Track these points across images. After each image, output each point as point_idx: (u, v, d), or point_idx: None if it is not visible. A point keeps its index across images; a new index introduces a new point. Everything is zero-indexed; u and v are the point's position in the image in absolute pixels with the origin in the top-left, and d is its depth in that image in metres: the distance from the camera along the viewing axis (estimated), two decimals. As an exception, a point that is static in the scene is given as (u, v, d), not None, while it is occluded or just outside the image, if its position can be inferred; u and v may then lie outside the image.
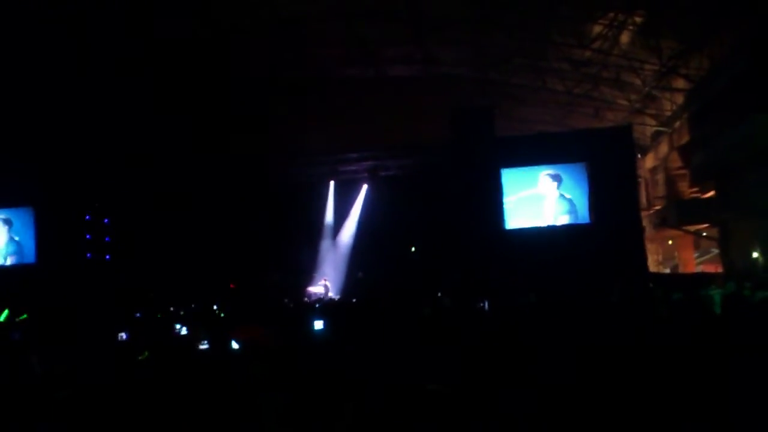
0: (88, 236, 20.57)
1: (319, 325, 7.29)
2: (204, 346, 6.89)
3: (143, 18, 17.36)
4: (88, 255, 20.42)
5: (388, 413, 4.24)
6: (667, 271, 24.73)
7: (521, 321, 7.40)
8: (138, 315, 14.14)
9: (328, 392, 4.50)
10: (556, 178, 18.59)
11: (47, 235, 20.16)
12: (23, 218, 20.59)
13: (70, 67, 18.43)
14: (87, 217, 20.56)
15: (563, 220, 18.53)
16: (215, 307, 15.43)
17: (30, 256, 20.38)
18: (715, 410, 4.17)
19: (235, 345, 6.12)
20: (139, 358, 6.32)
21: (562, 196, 18.53)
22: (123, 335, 7.68)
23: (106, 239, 20.94)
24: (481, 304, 9.16)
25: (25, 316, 13.84)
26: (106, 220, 20.85)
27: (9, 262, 20.47)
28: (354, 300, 15.89)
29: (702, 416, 4.19)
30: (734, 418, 4.13)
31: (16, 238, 20.57)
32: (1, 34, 16.78)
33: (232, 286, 20.07)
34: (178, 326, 9.46)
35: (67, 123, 19.98)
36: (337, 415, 4.28)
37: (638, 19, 18.41)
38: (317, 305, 14.73)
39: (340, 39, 19.60)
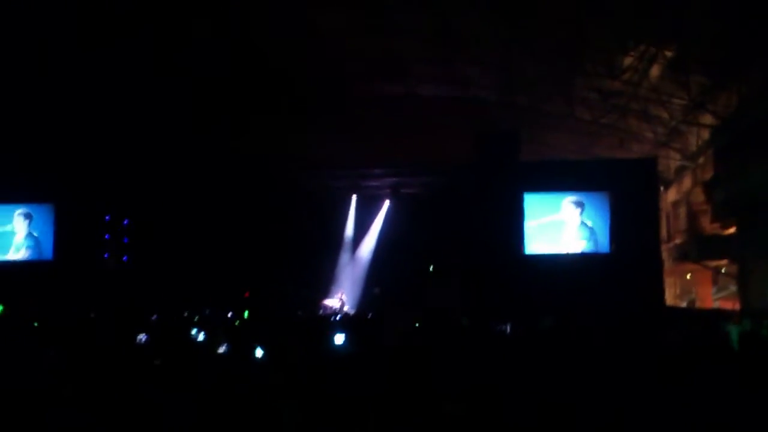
0: (106, 236, 20.68)
1: (339, 339, 7.28)
2: (222, 350, 6.90)
3: (176, 24, 17.57)
4: (106, 255, 20.52)
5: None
6: (684, 305, 24.50)
7: (541, 345, 7.38)
8: (154, 318, 14.19)
9: (348, 407, 4.51)
10: (579, 205, 18.55)
11: (66, 232, 20.29)
12: (43, 214, 20.75)
13: (98, 67, 18.67)
14: (107, 218, 20.67)
15: (583, 248, 18.45)
16: (229, 315, 15.43)
17: (47, 252, 20.51)
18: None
19: (259, 353, 6.13)
20: (156, 362, 6.33)
21: (583, 224, 18.47)
22: (142, 337, 7.71)
23: (125, 240, 21.03)
24: (502, 327, 9.14)
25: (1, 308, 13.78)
26: (125, 222, 20.96)
27: (26, 256, 20.59)
28: (369, 315, 15.86)
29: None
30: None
31: (35, 234, 20.72)
32: (20, 33, 17.05)
33: (246, 294, 20.07)
34: (194, 331, 9.46)
35: (93, 123, 20.21)
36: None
37: (669, 53, 18.41)
38: (334, 318, 14.71)
39: (371, 54, 19.73)
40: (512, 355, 6.73)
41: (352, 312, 19.02)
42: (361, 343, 7.41)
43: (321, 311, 19.19)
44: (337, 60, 20.04)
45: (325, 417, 4.62)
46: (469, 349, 7.37)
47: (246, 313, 13.06)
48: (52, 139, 20.32)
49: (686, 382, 5.08)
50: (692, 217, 23.36)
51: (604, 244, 18.33)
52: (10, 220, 20.82)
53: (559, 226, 18.67)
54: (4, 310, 14.32)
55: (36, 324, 12.96)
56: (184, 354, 7.10)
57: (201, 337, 9.02)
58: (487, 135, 18.99)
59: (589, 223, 18.43)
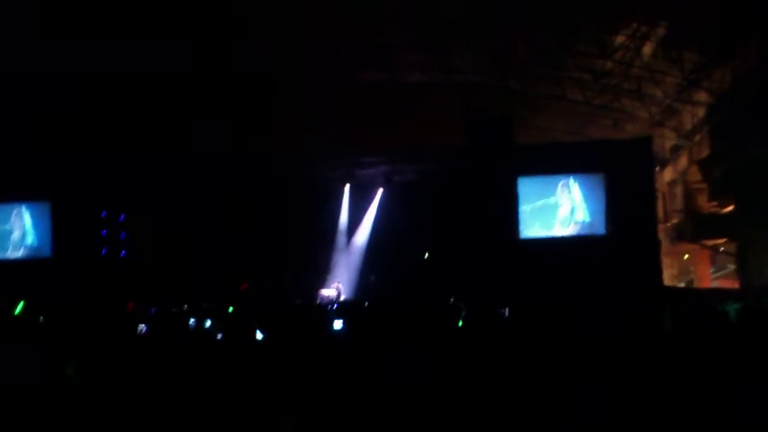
0: (103, 232, 20.66)
1: (338, 324, 7.31)
2: (219, 337, 6.91)
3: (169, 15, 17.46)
4: (103, 251, 20.51)
5: (407, 413, 4.22)
6: (683, 285, 24.54)
7: (539, 328, 7.35)
8: (153, 311, 14.18)
9: (347, 388, 4.49)
10: (574, 188, 18.53)
11: (63, 229, 20.28)
12: (40, 212, 20.72)
13: (95, 65, 18.58)
14: (103, 214, 20.64)
15: (579, 230, 18.44)
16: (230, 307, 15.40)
17: (46, 250, 20.49)
18: (731, 420, 4.13)
19: (259, 336, 6.14)
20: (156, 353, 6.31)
21: (579, 206, 18.45)
22: (143, 328, 7.71)
23: (121, 235, 21.00)
24: (501, 311, 9.12)
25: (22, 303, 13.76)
26: (121, 217, 20.92)
27: (25, 255, 20.59)
28: (366, 303, 15.85)
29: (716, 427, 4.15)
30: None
31: (33, 232, 20.70)
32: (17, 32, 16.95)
33: (245, 286, 20.07)
34: (192, 321, 9.47)
35: (86, 118, 20.13)
36: (355, 412, 4.27)
37: (661, 31, 18.32)
38: (333, 306, 14.68)
39: (358, 43, 19.63)
40: (512, 338, 6.71)
41: (348, 300, 19.02)
42: (359, 328, 7.42)
43: (318, 300, 19.20)
44: (326, 50, 19.93)
45: (325, 399, 4.61)
46: (468, 335, 7.35)
47: (230, 308, 13.08)
48: (47, 136, 20.26)
49: (685, 360, 5.06)
50: (689, 196, 23.34)
51: (600, 226, 18.33)
52: (7, 219, 20.79)
53: (554, 209, 18.66)
54: (24, 306, 14.29)
55: (42, 319, 12.98)
56: (186, 341, 7.12)
57: (208, 323, 9.04)
58: (479, 120, 18.96)
59: (585, 206, 18.42)
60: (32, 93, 19.25)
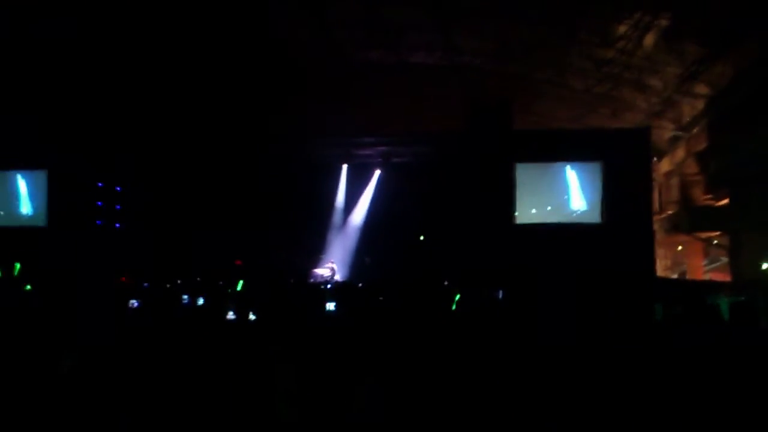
0: (99, 203, 20.59)
1: (330, 306, 7.34)
2: (231, 317, 6.90)
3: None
4: (98, 222, 20.46)
5: (402, 395, 4.26)
6: (675, 276, 24.65)
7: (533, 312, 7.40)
8: (146, 285, 14.19)
9: (342, 370, 4.52)
10: (571, 176, 18.55)
11: (59, 199, 20.21)
12: (37, 181, 20.65)
13: (97, 33, 18.48)
14: (100, 185, 20.57)
15: (574, 218, 18.48)
16: (221, 283, 15.43)
17: (41, 219, 20.44)
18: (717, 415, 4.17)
19: (251, 317, 6.16)
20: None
21: (575, 194, 18.48)
22: (134, 303, 7.72)
23: (117, 207, 20.95)
24: (495, 294, 9.17)
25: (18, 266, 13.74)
26: (118, 188, 20.87)
27: (19, 223, 20.53)
28: (360, 284, 15.89)
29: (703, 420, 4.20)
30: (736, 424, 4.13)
31: (28, 201, 20.65)
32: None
33: (238, 262, 20.07)
34: (186, 297, 9.49)
35: (87, 89, 20.05)
36: (350, 393, 4.31)
37: (664, 22, 18.26)
38: (326, 287, 14.74)
39: (362, 22, 19.54)
40: (505, 322, 6.75)
41: (342, 281, 19.05)
42: (352, 309, 7.44)
43: (312, 280, 19.23)
44: (328, 27, 19.85)
45: (319, 378, 4.65)
46: (460, 318, 7.39)
47: (240, 284, 13.06)
48: (46, 104, 20.17)
49: (674, 352, 5.10)
50: (685, 188, 23.40)
51: (595, 215, 18.36)
52: (3, 187, 20.73)
53: (550, 196, 18.69)
54: (20, 269, 14.32)
55: (29, 288, 12.99)
56: (180, 319, 7.13)
57: (201, 301, 9.05)
58: (479, 104, 18.91)
59: (581, 194, 18.45)
60: (28, 59, 19.17)
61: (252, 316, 6.11)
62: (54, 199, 20.31)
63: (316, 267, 20.03)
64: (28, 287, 13.17)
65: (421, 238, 19.60)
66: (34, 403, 4.60)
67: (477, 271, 15.93)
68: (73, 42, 18.89)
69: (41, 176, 20.57)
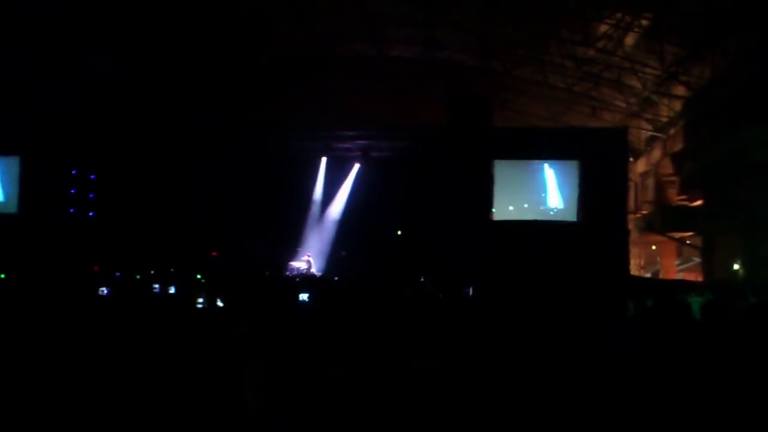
0: (72, 191, 20.29)
1: (303, 296, 7.31)
2: (200, 305, 6.83)
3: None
4: (71, 210, 20.17)
5: (372, 380, 4.22)
6: (648, 276, 24.88)
7: (502, 309, 7.40)
8: (117, 274, 14.02)
9: (312, 354, 4.48)
10: (548, 174, 18.62)
11: (31, 186, 19.88)
12: (9, 167, 20.29)
13: (74, 23, 18.24)
14: (74, 172, 20.27)
15: (550, 216, 18.56)
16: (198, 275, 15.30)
17: (12, 206, 20.10)
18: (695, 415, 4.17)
19: (219, 303, 6.10)
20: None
21: (552, 192, 18.55)
22: (104, 290, 7.60)
23: (91, 196, 20.65)
24: (465, 290, 9.16)
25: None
26: (92, 176, 20.57)
27: (-10, 209, 20.18)
28: (336, 278, 15.83)
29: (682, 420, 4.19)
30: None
31: (0, 187, 20.30)
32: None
33: (214, 254, 19.92)
34: (156, 286, 9.38)
35: (64, 75, 19.76)
36: (321, 376, 4.27)
37: (644, 22, 18.39)
38: (299, 279, 14.68)
39: (344, 15, 19.46)
40: (473, 318, 6.73)
41: (318, 274, 18.97)
42: (325, 302, 7.41)
43: (288, 272, 19.13)
44: (310, 20, 19.74)
45: (290, 365, 4.60)
46: (432, 312, 7.36)
47: (198, 275, 12.97)
48: (21, 89, 19.85)
49: (648, 351, 5.10)
50: (660, 188, 23.62)
51: (572, 213, 18.44)
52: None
53: (527, 193, 18.75)
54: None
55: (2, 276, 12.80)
56: (150, 308, 7.05)
57: (172, 290, 8.96)
58: (459, 99, 18.89)
59: (558, 192, 18.52)
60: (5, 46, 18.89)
61: (219, 303, 6.05)
62: (26, 185, 19.98)
63: (292, 260, 19.94)
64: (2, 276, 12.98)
65: (399, 232, 19.57)
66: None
67: (453, 267, 15.94)
68: (54, 25, 18.65)
69: (14, 162, 20.23)
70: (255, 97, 21.87)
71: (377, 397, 4.19)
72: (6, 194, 20.26)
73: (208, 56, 20.98)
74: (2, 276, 13.39)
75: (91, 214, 20.53)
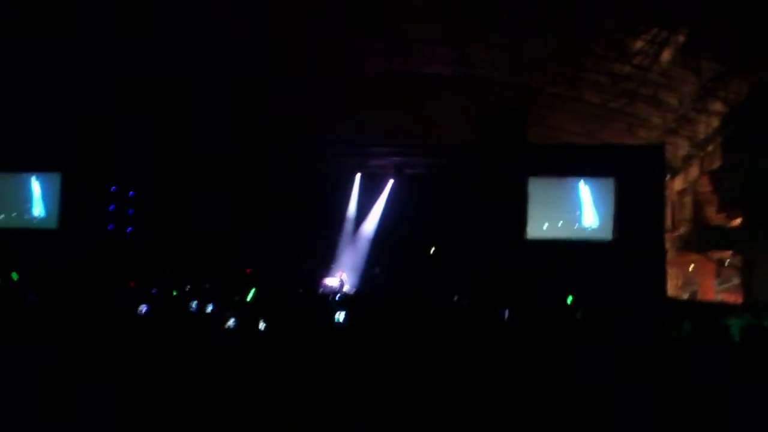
0: (111, 207, 20.63)
1: (340, 317, 7.29)
2: (230, 324, 6.82)
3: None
4: (110, 226, 20.50)
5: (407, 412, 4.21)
6: (686, 296, 24.45)
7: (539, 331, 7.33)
8: (154, 291, 14.13)
9: (348, 384, 4.48)
10: (584, 191, 18.45)
11: (71, 202, 20.27)
12: (50, 183, 20.73)
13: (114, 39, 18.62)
14: (113, 189, 20.62)
15: (586, 235, 18.37)
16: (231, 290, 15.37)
17: (52, 222, 20.51)
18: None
19: (262, 326, 6.11)
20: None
21: (587, 210, 18.37)
22: (143, 308, 7.68)
23: (129, 212, 20.98)
24: (502, 312, 9.08)
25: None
26: (131, 193, 20.91)
27: (30, 225, 20.60)
28: (369, 297, 15.80)
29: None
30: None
31: (41, 203, 20.73)
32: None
33: (248, 270, 20.04)
34: (194, 304, 9.43)
35: (104, 93, 20.16)
36: (354, 410, 4.27)
37: (681, 38, 18.21)
38: (335, 298, 14.67)
39: (380, 33, 19.60)
40: (510, 339, 6.68)
41: (351, 292, 18.96)
42: (361, 322, 7.39)
43: (321, 290, 19.15)
44: (344, 37, 19.90)
45: (325, 390, 4.61)
46: (467, 332, 7.32)
47: (251, 292, 12.98)
48: (62, 107, 20.30)
49: (685, 373, 5.03)
50: (698, 206, 23.24)
51: (607, 232, 18.24)
52: (17, 188, 20.82)
53: (562, 211, 18.59)
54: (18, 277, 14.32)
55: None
56: (186, 325, 7.08)
57: (210, 308, 8.97)
58: (493, 115, 18.84)
59: (594, 210, 18.34)
60: (44, 61, 19.30)
61: (262, 326, 6.07)
62: (66, 201, 20.38)
63: (326, 277, 19.97)
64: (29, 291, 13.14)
65: (432, 250, 19.52)
66: (40, 402, 4.60)
67: (487, 286, 15.83)
68: (90, 42, 19.04)
69: (55, 179, 20.66)
70: (289, 113, 22.06)
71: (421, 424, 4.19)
72: (47, 210, 20.69)
73: (243, 72, 21.21)
74: (15, 276, 13.57)
75: (129, 230, 20.86)
